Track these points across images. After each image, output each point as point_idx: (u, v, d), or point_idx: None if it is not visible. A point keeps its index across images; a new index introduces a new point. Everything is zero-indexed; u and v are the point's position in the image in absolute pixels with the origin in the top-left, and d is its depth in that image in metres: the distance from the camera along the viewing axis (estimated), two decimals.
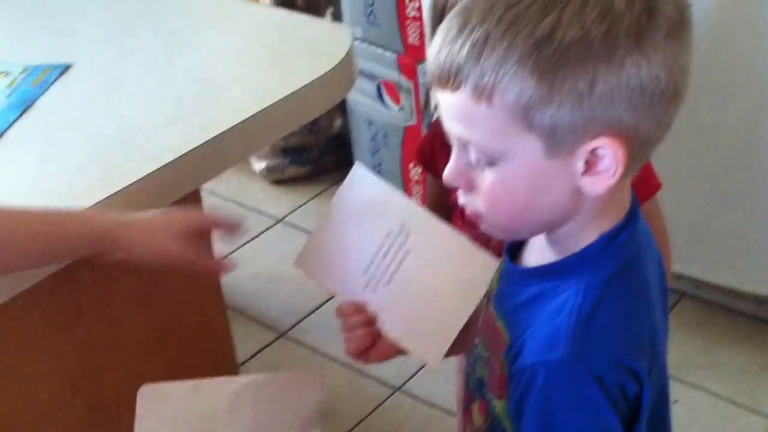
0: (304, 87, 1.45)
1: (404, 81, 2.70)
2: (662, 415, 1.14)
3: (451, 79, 0.99)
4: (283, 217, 2.92)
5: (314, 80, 1.46)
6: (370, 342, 1.25)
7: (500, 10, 0.96)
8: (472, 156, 1.02)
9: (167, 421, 1.18)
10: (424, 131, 2.73)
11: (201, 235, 1.20)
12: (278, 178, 3.04)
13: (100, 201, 1.25)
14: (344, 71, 1.51)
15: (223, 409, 1.20)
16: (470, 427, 1.20)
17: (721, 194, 2.30)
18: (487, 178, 1.01)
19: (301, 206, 2.97)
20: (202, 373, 1.50)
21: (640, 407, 1.05)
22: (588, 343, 1.01)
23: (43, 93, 1.48)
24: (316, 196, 3.02)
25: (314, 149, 3.02)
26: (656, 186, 1.49)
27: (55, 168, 1.34)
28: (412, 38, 2.64)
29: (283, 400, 1.24)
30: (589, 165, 0.99)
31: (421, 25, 2.59)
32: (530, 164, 0.99)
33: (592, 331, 1.02)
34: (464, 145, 1.02)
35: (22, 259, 1.15)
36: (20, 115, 1.44)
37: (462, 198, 1.07)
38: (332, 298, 2.59)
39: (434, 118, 1.59)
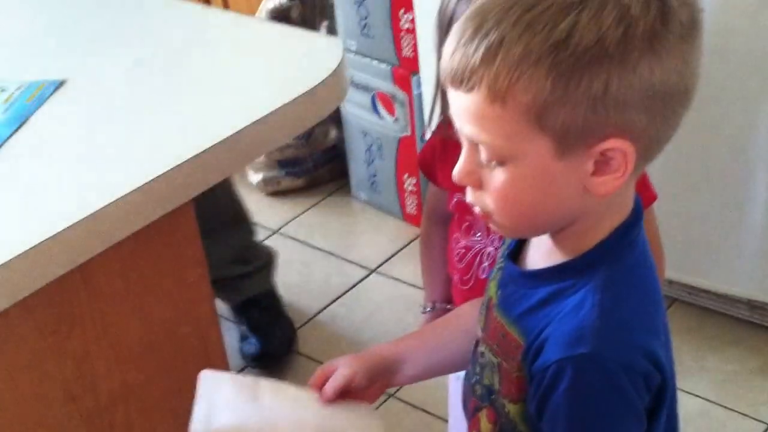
0: (295, 99, 1.46)
1: (399, 92, 2.72)
2: (673, 409, 1.15)
3: (465, 80, 0.99)
4: (279, 229, 2.93)
5: (305, 92, 1.48)
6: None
7: (516, 14, 0.97)
8: (483, 155, 1.02)
9: (226, 408, 1.16)
10: (418, 142, 2.75)
11: None
12: (274, 190, 3.05)
13: (93, 213, 1.27)
14: (335, 83, 1.53)
15: (286, 412, 1.18)
16: None
17: (713, 199, 2.30)
18: (497, 177, 1.02)
19: (296, 217, 2.99)
20: (196, 381, 1.52)
21: (661, 398, 1.08)
22: (613, 334, 1.03)
23: (38, 108, 1.50)
24: (311, 207, 3.03)
25: (309, 161, 3.04)
26: (652, 197, 1.51)
27: (51, 181, 1.36)
28: (406, 50, 2.66)
29: (345, 427, 1.21)
30: (599, 166, 1.01)
31: (415, 38, 2.61)
32: (541, 165, 1.00)
33: (615, 324, 1.04)
34: (475, 145, 1.03)
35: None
36: (16, 130, 1.46)
37: (470, 196, 1.07)
38: (325, 309, 2.63)
39: (435, 127, 1.61)
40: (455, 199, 1.60)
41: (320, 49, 1.60)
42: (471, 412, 1.21)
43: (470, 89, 0.99)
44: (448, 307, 1.74)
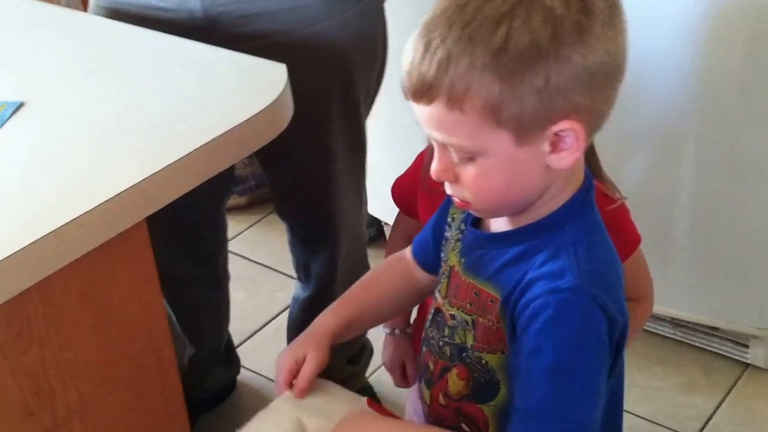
0: (242, 123, 1.51)
1: None
2: (623, 361, 1.28)
3: (423, 95, 1.12)
4: None
5: (252, 116, 1.52)
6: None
7: (457, 30, 1.09)
8: (454, 155, 1.15)
9: None
10: None
11: None
12: None
13: (51, 232, 1.31)
14: (280, 108, 1.57)
15: None
16: (443, 396, 1.31)
17: (637, 217, 2.31)
18: (470, 171, 1.15)
19: (238, 234, 3.03)
20: (149, 394, 1.57)
21: (621, 345, 1.21)
22: (591, 277, 1.15)
23: None
24: (253, 224, 3.07)
25: (251, 180, 3.07)
26: (637, 240, 1.60)
27: (9, 201, 1.39)
28: None
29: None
30: (554, 145, 1.13)
31: None
32: (504, 154, 1.13)
33: (592, 269, 1.17)
34: (445, 146, 1.15)
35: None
36: None
37: (449, 189, 1.20)
38: (271, 321, 2.66)
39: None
40: None
41: (266, 74, 1.63)
42: (436, 376, 1.32)
43: (430, 102, 1.12)
44: (408, 331, 1.80)
